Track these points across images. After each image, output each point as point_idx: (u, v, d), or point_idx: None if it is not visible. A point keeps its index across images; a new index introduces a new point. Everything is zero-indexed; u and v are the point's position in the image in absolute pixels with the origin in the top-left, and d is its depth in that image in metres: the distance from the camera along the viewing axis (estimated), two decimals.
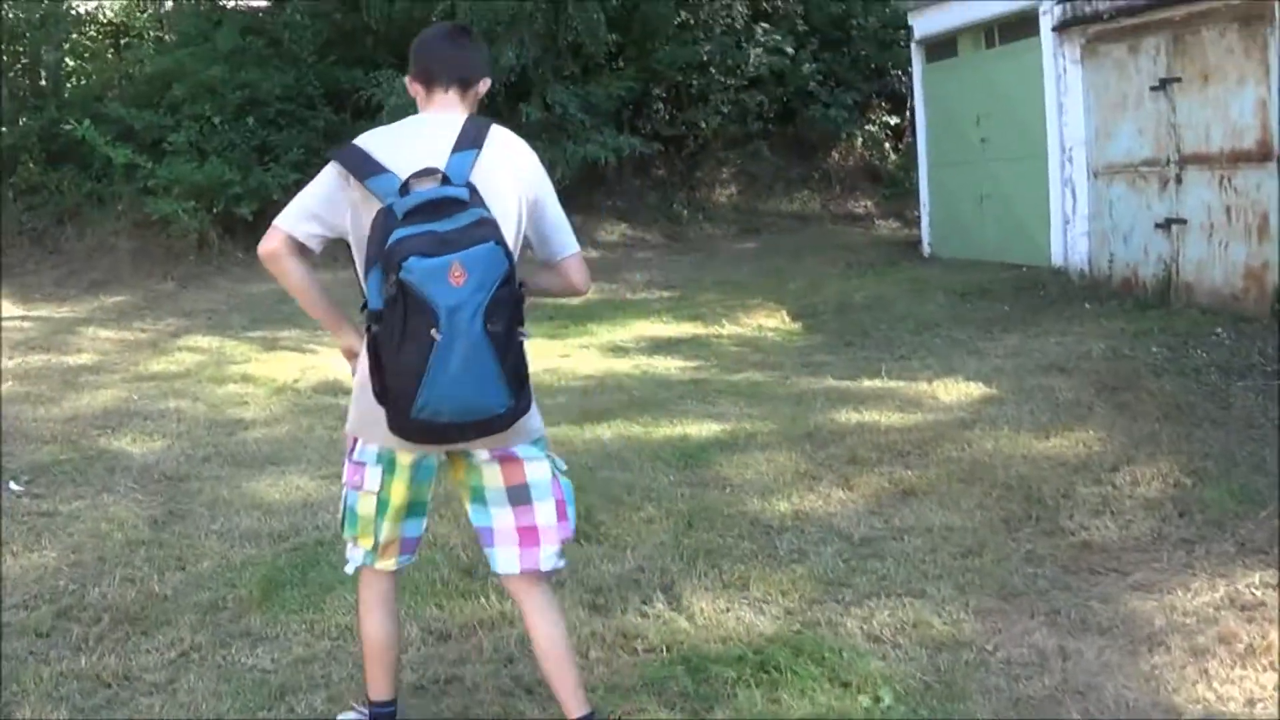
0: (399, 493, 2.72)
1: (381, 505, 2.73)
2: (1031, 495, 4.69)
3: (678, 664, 3.30)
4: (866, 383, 7.01)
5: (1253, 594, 3.64)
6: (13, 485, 5.37)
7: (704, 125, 16.73)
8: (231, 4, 16.81)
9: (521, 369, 2.52)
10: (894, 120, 17.51)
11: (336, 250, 2.81)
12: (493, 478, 2.72)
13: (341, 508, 2.81)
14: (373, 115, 13.32)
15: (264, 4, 17.06)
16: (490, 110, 16.62)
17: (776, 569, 4.05)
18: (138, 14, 17.09)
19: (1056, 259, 10.24)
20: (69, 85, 16.22)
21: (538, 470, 2.73)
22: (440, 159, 2.55)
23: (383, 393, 2.47)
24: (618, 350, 8.90)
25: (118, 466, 5.70)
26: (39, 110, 14.89)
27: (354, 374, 2.76)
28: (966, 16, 11.81)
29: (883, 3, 16.50)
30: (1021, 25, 10.80)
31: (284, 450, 5.97)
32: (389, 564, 2.82)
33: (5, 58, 15.74)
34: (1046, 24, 10.19)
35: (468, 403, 2.44)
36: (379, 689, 2.88)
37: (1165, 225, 8.72)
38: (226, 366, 8.47)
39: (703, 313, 10.36)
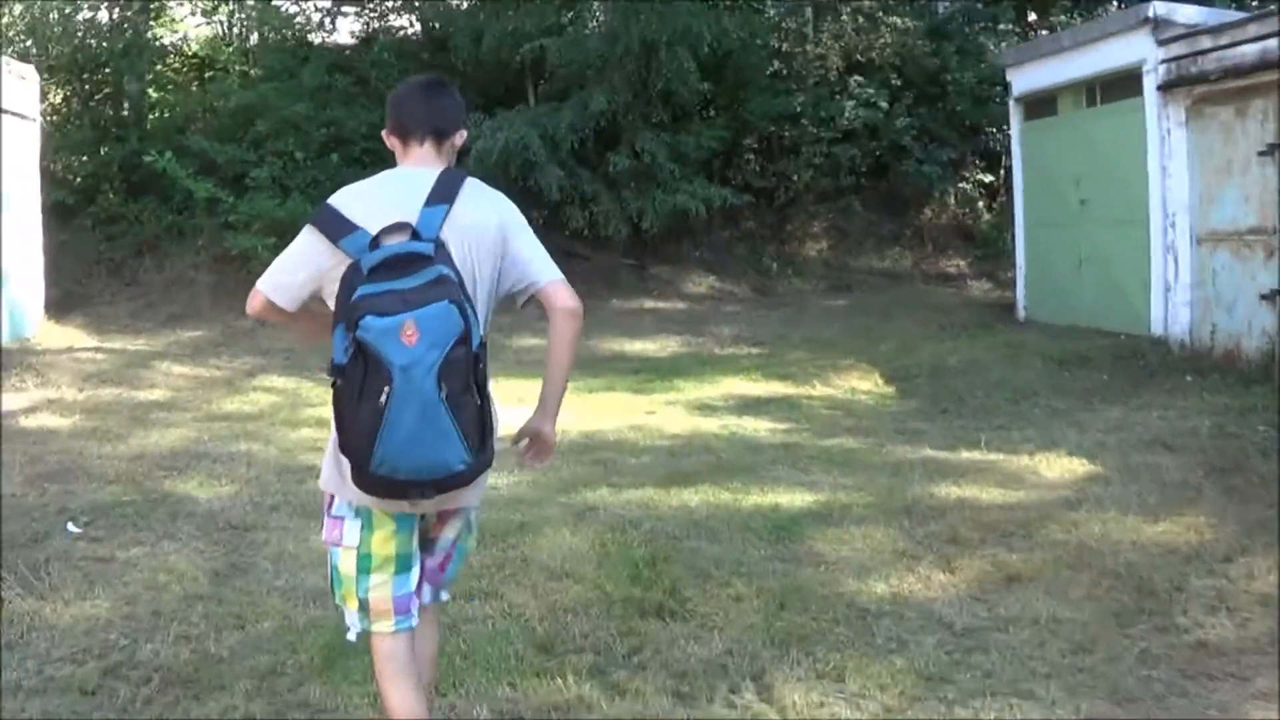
0: (380, 547, 2.70)
1: (363, 560, 2.71)
2: (1143, 586, 4.47)
3: None
4: (965, 454, 6.82)
5: None
6: (71, 526, 5.25)
7: (795, 178, 16.64)
8: (319, 41, 17.12)
9: (485, 424, 2.53)
10: (988, 178, 17.25)
11: None
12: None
13: (328, 569, 2.78)
14: (460, 158, 13.39)
15: (351, 42, 17.37)
16: (578, 157, 16.48)
17: (874, 659, 3.88)
18: (223, 47, 17.37)
19: (1157, 327, 9.97)
20: (151, 117, 16.43)
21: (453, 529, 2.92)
22: (412, 213, 2.59)
23: (344, 448, 2.51)
24: (705, 408, 8.75)
25: (181, 512, 5.57)
26: (121, 141, 15.15)
27: None
28: (1067, 73, 11.62)
29: (979, 58, 16.34)
30: (1124, 84, 10.58)
31: None
32: (384, 626, 2.75)
33: (88, 86, 16.09)
34: (1150, 83, 9.99)
35: (424, 460, 2.46)
36: None
37: (1270, 297, 8.45)
38: (301, 409, 8.33)
39: (793, 371, 10.20)
